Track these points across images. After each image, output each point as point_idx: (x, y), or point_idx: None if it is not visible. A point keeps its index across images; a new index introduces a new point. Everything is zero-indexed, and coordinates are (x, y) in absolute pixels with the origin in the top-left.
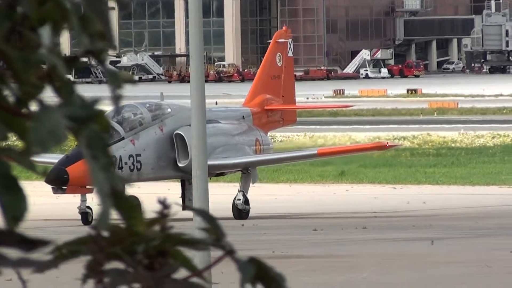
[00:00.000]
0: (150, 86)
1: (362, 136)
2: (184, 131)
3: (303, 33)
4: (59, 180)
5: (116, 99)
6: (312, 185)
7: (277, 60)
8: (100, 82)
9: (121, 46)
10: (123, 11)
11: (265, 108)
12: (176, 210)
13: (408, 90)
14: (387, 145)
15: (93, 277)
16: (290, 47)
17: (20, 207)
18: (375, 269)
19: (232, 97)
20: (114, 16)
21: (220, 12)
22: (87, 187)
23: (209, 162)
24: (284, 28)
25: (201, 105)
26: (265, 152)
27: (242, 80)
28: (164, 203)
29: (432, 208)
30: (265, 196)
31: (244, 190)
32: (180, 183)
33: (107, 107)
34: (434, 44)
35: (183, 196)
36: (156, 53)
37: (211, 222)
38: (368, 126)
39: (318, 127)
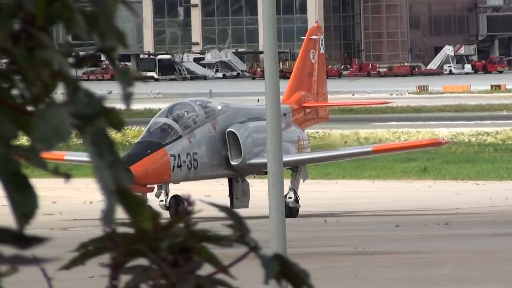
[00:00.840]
0: (234, 83)
1: (446, 132)
2: (236, 129)
3: (386, 29)
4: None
5: (127, 97)
6: (395, 181)
7: (311, 57)
8: (184, 79)
9: (205, 43)
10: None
11: (303, 105)
12: (202, 207)
13: (491, 86)
14: (443, 141)
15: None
16: (322, 43)
17: (31, 205)
18: (457, 265)
19: None
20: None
21: (303, 9)
22: (148, 186)
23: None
24: (316, 24)
25: (276, 101)
26: (305, 149)
27: (326, 77)
28: (188, 200)
29: None
30: (348, 192)
31: (295, 188)
32: (228, 182)
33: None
34: None
35: (231, 195)
36: (239, 50)
37: (236, 219)
38: (451, 122)
39: (401, 123)
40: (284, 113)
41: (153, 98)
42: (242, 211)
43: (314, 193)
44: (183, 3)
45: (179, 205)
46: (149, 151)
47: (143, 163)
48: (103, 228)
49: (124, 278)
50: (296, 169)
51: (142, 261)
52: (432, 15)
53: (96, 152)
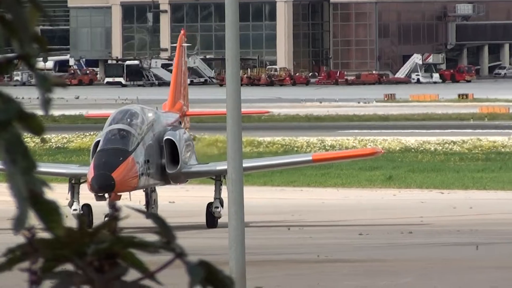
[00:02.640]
0: (202, 90)
1: (413, 140)
2: (172, 136)
3: (355, 37)
4: (108, 188)
5: (46, 102)
6: (359, 189)
7: (183, 65)
8: (151, 85)
9: (174, 49)
10: (41, 14)
11: (185, 114)
12: (128, 213)
13: (459, 95)
14: (381, 151)
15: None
16: (185, 51)
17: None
18: (420, 273)
19: (284, 101)
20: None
21: (272, 16)
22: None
23: (205, 168)
24: (182, 31)
25: (237, 108)
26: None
27: (294, 84)
28: (114, 207)
29: (479, 213)
30: (312, 200)
31: (220, 197)
32: (144, 191)
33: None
34: (486, 49)
35: (147, 204)
36: (208, 56)
37: (162, 225)
38: (418, 131)
39: (368, 131)
40: (180, 121)
41: (121, 103)
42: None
43: (278, 201)
44: (152, 9)
45: (91, 213)
46: (121, 159)
47: (121, 171)
48: (14, 233)
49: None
50: (220, 178)
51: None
52: (401, 24)
53: (10, 158)
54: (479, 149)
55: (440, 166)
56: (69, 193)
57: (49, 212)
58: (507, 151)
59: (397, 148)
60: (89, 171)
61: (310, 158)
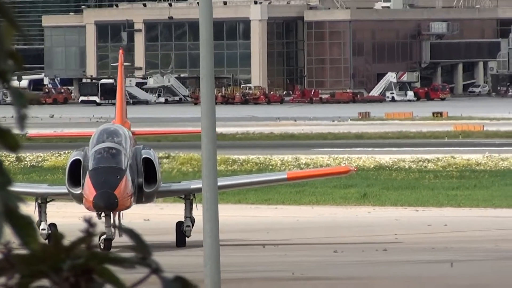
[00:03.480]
0: (177, 108)
1: (387, 158)
2: (149, 155)
3: (330, 56)
4: (112, 206)
5: (21, 119)
6: (334, 207)
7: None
8: (126, 103)
9: (148, 68)
10: (16, 33)
11: (133, 133)
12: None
13: (433, 113)
14: (354, 169)
15: None
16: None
17: None
18: None
19: (258, 119)
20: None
21: (246, 35)
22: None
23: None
24: (121, 50)
25: (212, 126)
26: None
27: (268, 103)
28: (90, 222)
29: (453, 230)
30: (287, 217)
31: (191, 216)
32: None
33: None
34: (460, 67)
35: (120, 222)
36: (182, 75)
37: (138, 241)
38: (392, 149)
39: (343, 149)
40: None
41: (95, 122)
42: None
43: (252, 218)
44: (127, 28)
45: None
46: (118, 177)
47: (121, 189)
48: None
49: None
50: (189, 197)
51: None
52: (376, 42)
53: None
54: (454, 167)
55: (415, 184)
56: (36, 213)
57: (24, 227)
58: (481, 169)
59: (372, 166)
60: (85, 189)
61: (285, 176)
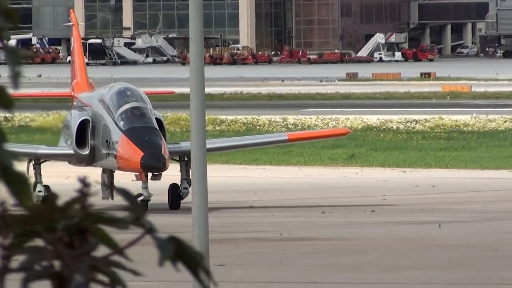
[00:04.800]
0: (164, 68)
1: (375, 119)
2: (159, 116)
3: (318, 16)
4: (162, 166)
5: (15, 76)
6: (322, 168)
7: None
8: (114, 64)
9: (136, 28)
10: None
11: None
12: (97, 189)
13: (421, 74)
14: (351, 131)
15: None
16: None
17: None
18: (382, 252)
19: (246, 80)
20: None
21: None
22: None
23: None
24: (72, 10)
25: (201, 87)
26: None
27: (256, 63)
28: (84, 182)
29: (441, 191)
30: (274, 178)
31: (188, 177)
32: (110, 173)
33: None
34: (448, 28)
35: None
36: (170, 35)
37: (132, 201)
38: (380, 109)
39: (330, 109)
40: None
41: None
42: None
43: (240, 179)
44: None
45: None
46: (158, 137)
47: (165, 149)
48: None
49: (20, 258)
50: (184, 159)
51: (38, 242)
52: (364, 3)
53: None
54: (442, 127)
55: (403, 145)
56: (31, 174)
57: (19, 184)
58: (469, 129)
59: (359, 127)
60: (123, 150)
61: (286, 137)
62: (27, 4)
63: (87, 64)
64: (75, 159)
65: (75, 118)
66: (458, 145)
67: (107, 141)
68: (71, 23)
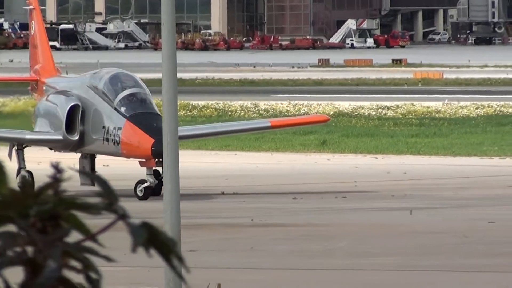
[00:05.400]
0: (136, 54)
1: (346, 105)
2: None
3: (290, 3)
4: None
5: None
6: (293, 154)
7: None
8: (86, 49)
9: (108, 13)
10: None
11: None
12: (70, 174)
13: (393, 60)
14: (330, 118)
15: None
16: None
17: None
18: (354, 238)
19: (218, 65)
20: None
21: None
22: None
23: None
24: None
25: (173, 73)
26: None
27: (228, 49)
28: (57, 168)
29: (413, 178)
30: (246, 164)
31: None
32: (90, 158)
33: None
34: (420, 14)
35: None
36: (142, 20)
37: (104, 187)
38: (352, 95)
39: (302, 95)
40: None
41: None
42: None
43: (212, 165)
44: None
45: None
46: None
47: None
48: None
49: None
50: None
51: (10, 228)
52: None
53: None
54: (413, 114)
55: (374, 131)
56: (14, 160)
57: None
58: (441, 116)
59: (331, 113)
60: (128, 136)
61: (269, 124)
62: None
63: (59, 49)
64: (62, 145)
65: (61, 103)
66: (429, 131)
67: (103, 127)
68: (31, 6)
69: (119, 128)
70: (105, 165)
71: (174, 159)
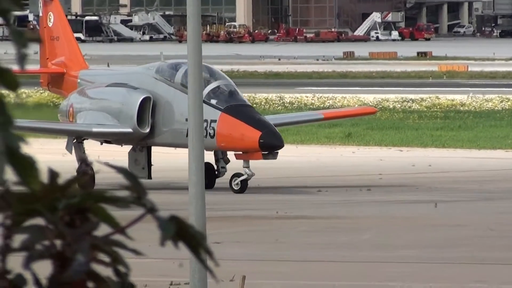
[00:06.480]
0: (161, 46)
1: (371, 98)
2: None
3: None
4: (282, 144)
5: (21, 58)
6: (318, 146)
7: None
8: (110, 41)
9: (133, 5)
10: None
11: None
12: (99, 168)
13: (418, 53)
14: (378, 110)
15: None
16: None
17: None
18: (378, 231)
19: (243, 58)
20: None
21: None
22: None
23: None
24: None
25: (198, 64)
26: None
27: (253, 41)
28: (85, 161)
29: (438, 171)
30: None
31: (224, 157)
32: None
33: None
34: (445, 7)
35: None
36: (167, 12)
37: (133, 180)
38: (377, 88)
39: (327, 88)
40: None
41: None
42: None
43: None
44: None
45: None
46: (261, 115)
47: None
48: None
49: (20, 238)
50: None
51: (39, 221)
52: None
53: None
54: (438, 107)
55: (399, 124)
56: (76, 153)
57: (26, 167)
58: (465, 109)
59: (356, 106)
60: (233, 128)
61: (322, 116)
62: None
63: (84, 41)
64: (130, 138)
65: (125, 95)
66: (454, 124)
67: (187, 119)
68: None
69: (213, 121)
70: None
71: (199, 152)
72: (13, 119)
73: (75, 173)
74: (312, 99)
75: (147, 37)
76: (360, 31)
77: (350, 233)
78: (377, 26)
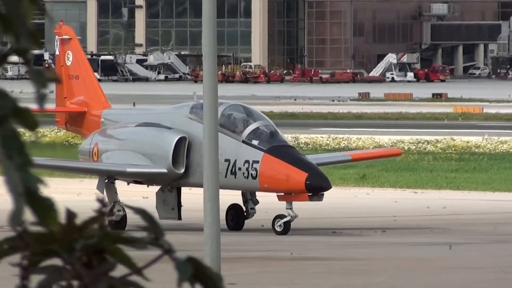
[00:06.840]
0: (176, 86)
1: (386, 139)
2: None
3: (330, 36)
4: (330, 186)
5: (41, 97)
6: (333, 188)
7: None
8: (126, 80)
9: (148, 45)
10: (36, 8)
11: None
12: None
13: (433, 95)
14: (403, 151)
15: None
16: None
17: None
18: (393, 273)
19: (258, 98)
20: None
21: (247, 13)
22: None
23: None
24: (61, 22)
25: (214, 105)
26: None
27: (268, 81)
28: (102, 202)
29: (452, 213)
30: None
31: (253, 198)
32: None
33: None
34: (460, 49)
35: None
36: (182, 52)
37: (150, 221)
38: (392, 130)
39: (342, 129)
40: None
41: None
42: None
43: None
44: (128, 4)
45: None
46: (305, 156)
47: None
48: (12, 228)
49: (37, 278)
50: None
51: (56, 261)
52: (376, 22)
53: (6, 154)
54: (453, 149)
55: (414, 166)
56: (108, 194)
57: (45, 208)
58: (480, 151)
59: (371, 147)
60: (277, 170)
61: (350, 157)
62: (40, 20)
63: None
64: (164, 178)
65: (158, 136)
66: (469, 166)
67: (226, 160)
68: (67, 36)
69: (255, 162)
70: (145, 197)
71: (214, 192)
72: (32, 160)
73: (109, 214)
74: (327, 140)
75: (162, 76)
76: (376, 72)
77: (364, 275)
78: (393, 67)
